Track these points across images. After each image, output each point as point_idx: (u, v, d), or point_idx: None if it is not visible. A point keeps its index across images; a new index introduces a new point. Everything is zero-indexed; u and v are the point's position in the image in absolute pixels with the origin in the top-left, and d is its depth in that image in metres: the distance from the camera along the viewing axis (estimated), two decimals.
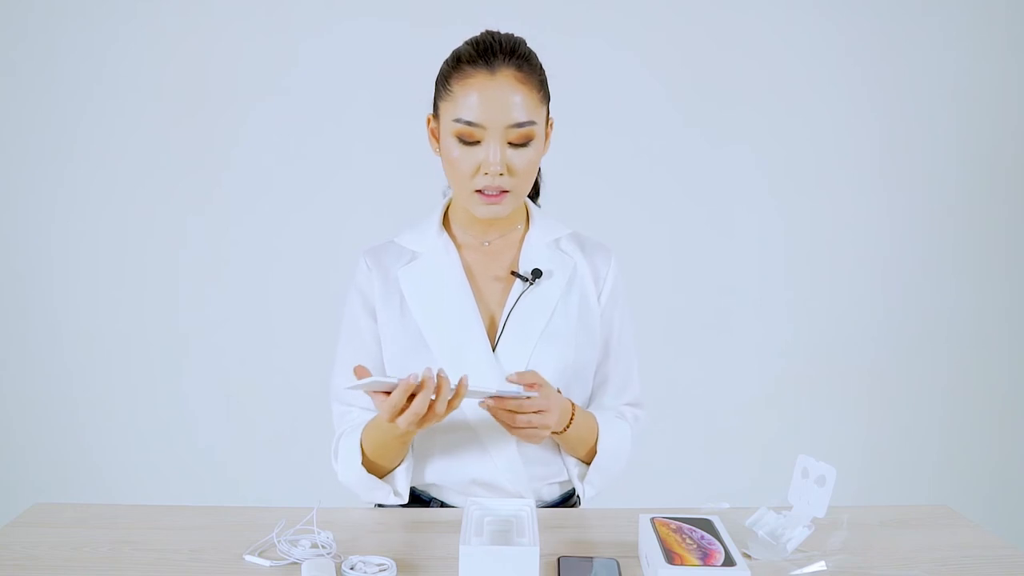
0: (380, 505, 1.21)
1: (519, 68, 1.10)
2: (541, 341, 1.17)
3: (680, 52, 2.34)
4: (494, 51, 1.09)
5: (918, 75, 2.38)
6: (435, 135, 1.17)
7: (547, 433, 1.11)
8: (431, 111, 1.18)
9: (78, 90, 2.28)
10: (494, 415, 1.09)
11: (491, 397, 1.06)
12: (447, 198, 1.27)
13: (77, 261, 2.35)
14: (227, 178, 2.33)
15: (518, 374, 1.09)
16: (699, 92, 2.35)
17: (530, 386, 1.08)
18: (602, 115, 2.30)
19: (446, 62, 1.14)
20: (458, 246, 1.23)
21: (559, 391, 1.14)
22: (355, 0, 2.28)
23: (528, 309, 1.18)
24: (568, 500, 1.27)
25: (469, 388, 0.99)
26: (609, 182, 2.34)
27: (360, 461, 1.14)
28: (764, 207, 2.42)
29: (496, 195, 1.11)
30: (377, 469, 1.16)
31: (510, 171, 1.10)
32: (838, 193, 2.42)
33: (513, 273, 1.20)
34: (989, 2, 2.36)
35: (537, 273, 1.19)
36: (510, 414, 1.07)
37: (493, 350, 1.16)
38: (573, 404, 1.16)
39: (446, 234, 1.23)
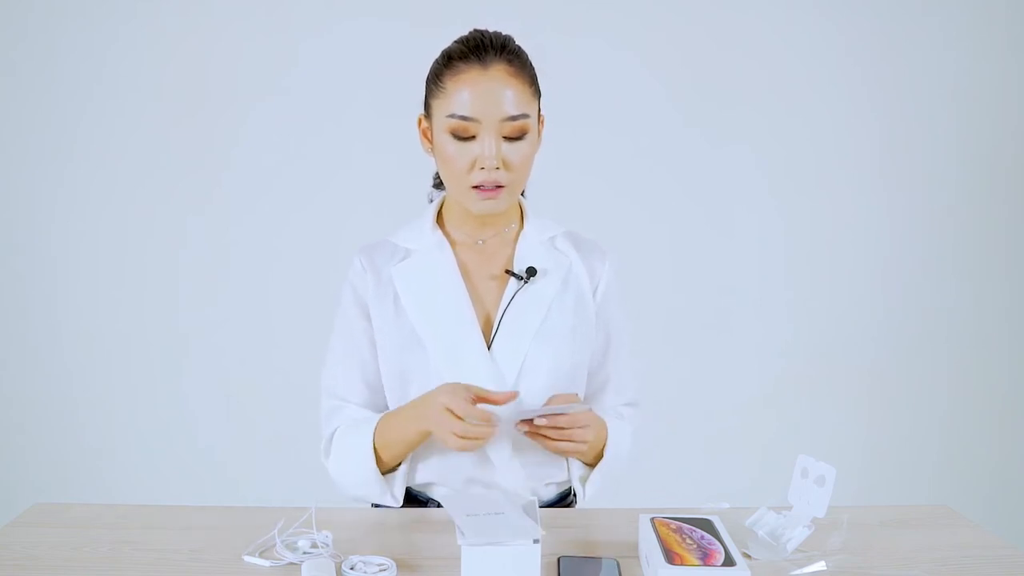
0: (377, 505, 1.20)
1: (510, 63, 1.11)
2: (536, 339, 1.17)
3: (680, 52, 2.34)
4: (485, 47, 1.10)
5: (918, 75, 2.37)
6: (427, 135, 1.18)
7: (586, 447, 1.13)
8: (422, 111, 1.18)
9: (78, 90, 2.28)
10: (532, 435, 1.10)
11: (542, 416, 1.08)
12: (438, 198, 1.27)
13: (77, 261, 2.35)
14: (227, 178, 2.33)
15: (551, 398, 1.12)
16: (699, 92, 2.35)
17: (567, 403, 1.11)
18: (602, 115, 2.30)
19: (436, 61, 1.15)
20: (452, 244, 1.22)
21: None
22: (355, 0, 2.28)
23: (523, 307, 1.18)
24: (565, 499, 1.27)
25: (519, 409, 1.03)
26: (609, 182, 2.34)
27: (373, 458, 1.14)
28: (764, 207, 2.41)
29: (492, 189, 1.11)
30: (380, 466, 1.16)
31: (506, 165, 1.11)
32: (838, 193, 2.42)
33: (508, 271, 1.20)
34: (989, 2, 2.36)
35: (532, 271, 1.19)
36: (554, 430, 1.09)
37: (488, 348, 1.16)
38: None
39: (440, 232, 1.23)
